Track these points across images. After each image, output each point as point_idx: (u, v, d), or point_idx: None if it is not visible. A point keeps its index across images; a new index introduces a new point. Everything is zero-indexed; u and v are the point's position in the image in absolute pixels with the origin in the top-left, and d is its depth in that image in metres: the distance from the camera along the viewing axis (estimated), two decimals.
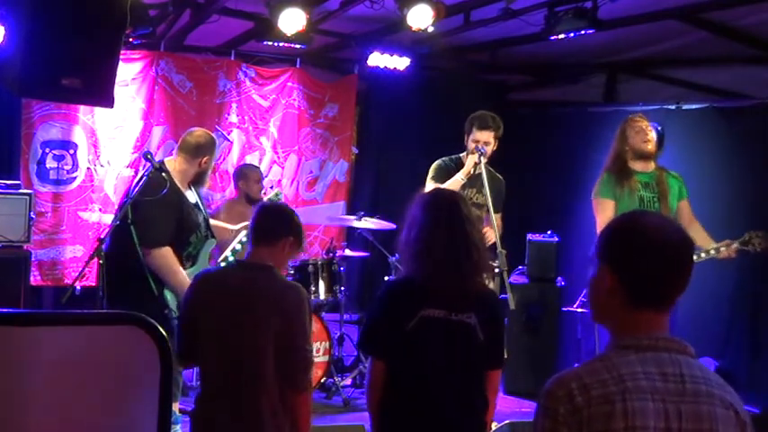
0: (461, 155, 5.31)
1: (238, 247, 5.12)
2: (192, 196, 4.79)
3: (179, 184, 4.63)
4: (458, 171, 5.20)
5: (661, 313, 1.76)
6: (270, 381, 3.07)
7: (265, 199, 5.47)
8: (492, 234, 4.79)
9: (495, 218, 5.06)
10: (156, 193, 4.47)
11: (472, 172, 5.13)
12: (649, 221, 1.78)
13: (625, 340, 1.74)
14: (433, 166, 5.34)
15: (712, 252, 5.00)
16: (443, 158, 5.36)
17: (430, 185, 5.18)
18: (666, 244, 1.74)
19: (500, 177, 5.41)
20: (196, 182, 4.83)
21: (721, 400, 1.69)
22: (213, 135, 4.93)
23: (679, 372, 1.69)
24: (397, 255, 3.35)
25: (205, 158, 4.75)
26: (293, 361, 3.08)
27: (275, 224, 3.28)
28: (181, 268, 4.56)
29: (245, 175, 6.41)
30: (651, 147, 5.10)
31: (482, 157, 5.12)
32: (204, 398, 3.18)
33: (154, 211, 4.41)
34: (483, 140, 5.15)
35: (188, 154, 4.73)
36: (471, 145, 5.18)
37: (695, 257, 5.04)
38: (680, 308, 5.56)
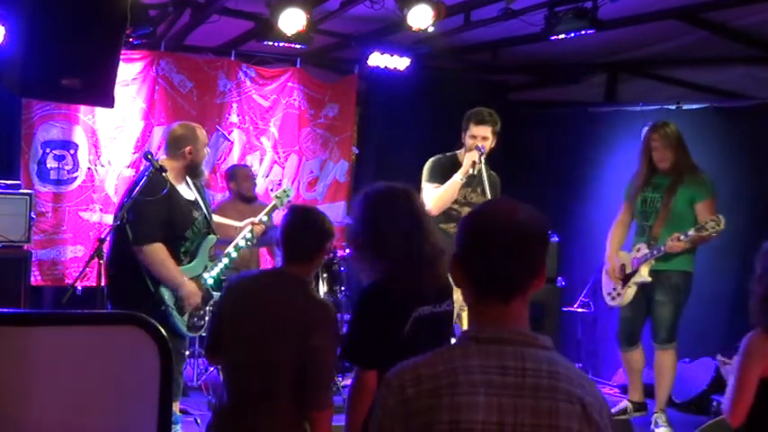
0: (457, 152, 5.23)
1: (242, 243, 5.12)
2: (190, 193, 4.81)
3: (173, 182, 4.67)
4: (452, 168, 5.11)
5: (508, 304, 1.69)
6: (284, 396, 3.02)
7: (273, 196, 5.44)
8: None
9: None
10: (156, 194, 4.50)
11: (471, 171, 5.06)
12: (493, 209, 1.74)
13: (470, 332, 1.70)
14: (428, 165, 5.21)
15: (662, 248, 5.28)
16: (437, 156, 5.24)
17: (429, 188, 5.07)
18: (502, 231, 1.68)
19: (496, 175, 5.35)
20: (192, 174, 4.83)
21: (567, 395, 1.62)
22: (193, 126, 4.91)
23: (521, 366, 1.63)
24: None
25: (188, 147, 4.74)
26: (314, 379, 3.01)
27: (309, 243, 3.19)
28: (173, 263, 4.59)
29: (234, 174, 6.48)
30: (666, 165, 5.35)
31: (482, 157, 5.13)
32: (222, 407, 3.16)
33: (143, 209, 4.46)
34: (481, 136, 5.07)
35: (171, 149, 4.81)
36: (469, 141, 5.10)
37: (647, 254, 5.30)
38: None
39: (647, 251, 5.37)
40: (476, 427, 1.59)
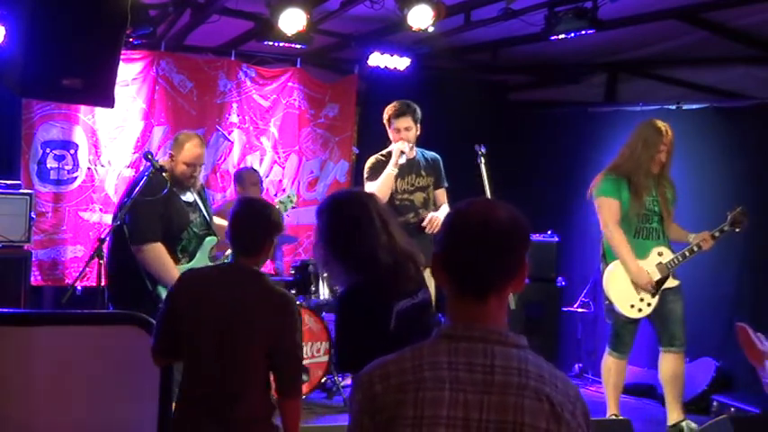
0: (391, 148, 5.29)
1: None
2: (188, 195, 4.81)
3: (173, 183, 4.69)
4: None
5: (484, 302, 1.70)
6: (253, 387, 3.01)
7: (277, 201, 5.43)
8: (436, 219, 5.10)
9: (440, 193, 5.33)
10: (156, 194, 4.51)
11: (400, 160, 5.14)
12: (474, 209, 1.74)
13: (444, 329, 1.73)
14: (367, 165, 5.35)
15: (695, 249, 5.11)
16: (375, 156, 5.36)
17: (367, 185, 5.21)
18: (482, 231, 1.69)
19: (436, 155, 5.43)
20: (177, 186, 4.76)
21: (535, 392, 1.63)
22: (187, 138, 4.86)
23: (490, 363, 1.65)
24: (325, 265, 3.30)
25: (170, 152, 4.79)
26: (284, 368, 3.03)
27: (257, 235, 3.17)
28: (172, 263, 4.60)
29: (241, 178, 6.44)
30: (658, 169, 5.17)
31: (482, 158, 5.19)
32: (184, 403, 3.06)
33: (141, 209, 4.48)
34: (403, 127, 5.19)
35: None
36: (394, 135, 5.23)
37: (678, 258, 5.12)
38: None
39: (671, 254, 5.13)
40: (440, 422, 1.61)
